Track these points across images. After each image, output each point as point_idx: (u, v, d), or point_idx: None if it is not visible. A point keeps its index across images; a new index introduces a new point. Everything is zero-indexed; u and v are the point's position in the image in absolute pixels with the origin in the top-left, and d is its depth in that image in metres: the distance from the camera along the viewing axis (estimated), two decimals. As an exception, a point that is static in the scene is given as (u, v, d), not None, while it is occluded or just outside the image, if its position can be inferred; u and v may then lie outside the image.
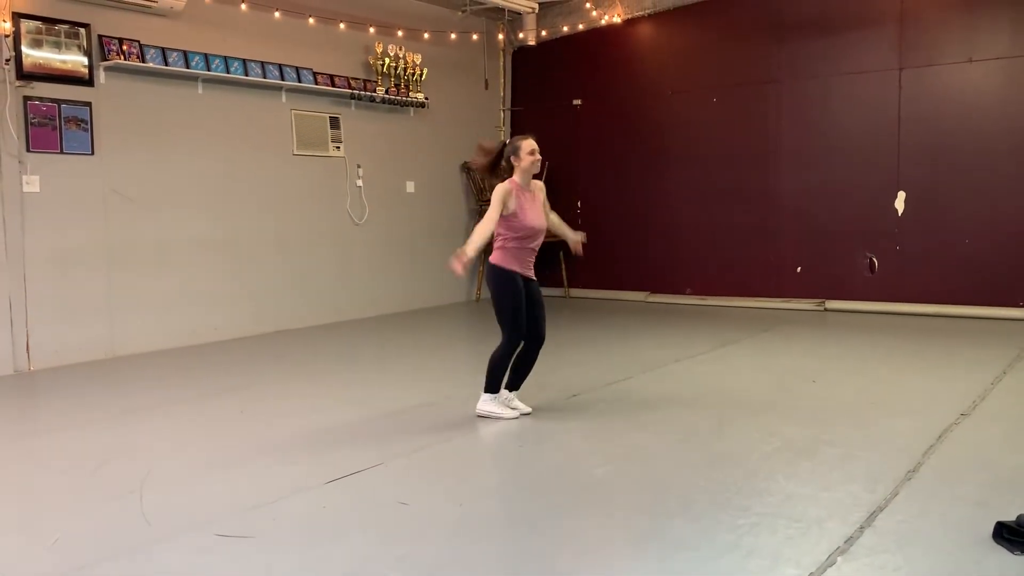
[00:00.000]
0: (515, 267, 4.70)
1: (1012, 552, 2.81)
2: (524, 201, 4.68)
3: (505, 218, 4.62)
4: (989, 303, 8.06)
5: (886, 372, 5.86)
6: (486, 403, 4.76)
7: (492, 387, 4.75)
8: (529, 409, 4.83)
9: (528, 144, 4.72)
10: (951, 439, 4.16)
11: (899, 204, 8.54)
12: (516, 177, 4.73)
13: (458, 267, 4.42)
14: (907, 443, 4.08)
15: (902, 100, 8.48)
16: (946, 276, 8.30)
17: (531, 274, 4.80)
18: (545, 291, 9.83)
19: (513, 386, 4.84)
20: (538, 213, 4.76)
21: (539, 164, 4.79)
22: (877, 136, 8.61)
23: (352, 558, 2.92)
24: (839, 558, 2.82)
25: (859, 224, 8.74)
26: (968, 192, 8.18)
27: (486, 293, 10.46)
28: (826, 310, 8.83)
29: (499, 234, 4.68)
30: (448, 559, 2.91)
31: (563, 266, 10.20)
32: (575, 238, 5.09)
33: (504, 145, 4.82)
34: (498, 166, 4.84)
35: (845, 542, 2.94)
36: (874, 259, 8.71)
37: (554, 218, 5.05)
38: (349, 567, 2.85)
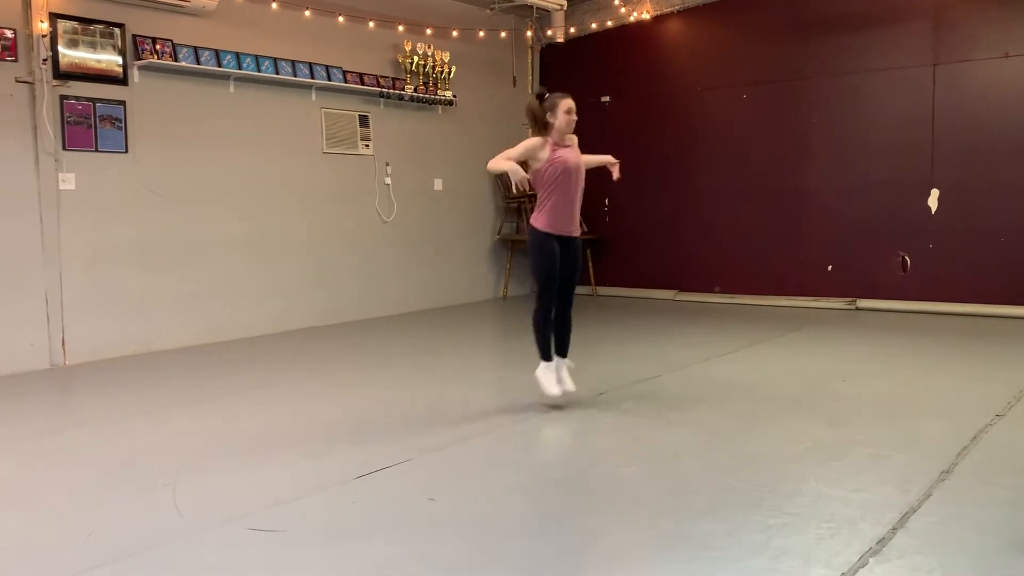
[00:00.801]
0: (553, 228, 4.74)
1: (1049, 556, 2.77)
2: (558, 149, 4.74)
3: (539, 169, 4.70)
4: (1024, 303, 7.93)
5: (918, 372, 5.78)
6: (539, 370, 4.92)
7: (543, 354, 4.90)
8: (573, 388, 4.93)
9: (565, 103, 4.73)
10: (985, 440, 4.10)
11: (932, 202, 8.42)
12: (552, 135, 4.76)
13: (519, 178, 4.58)
14: (940, 444, 4.03)
15: (936, 96, 8.36)
16: (980, 275, 8.17)
17: (573, 230, 4.84)
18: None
19: (558, 351, 4.94)
20: (575, 155, 4.80)
21: (574, 123, 4.80)
22: (910, 133, 8.49)
23: (381, 554, 2.94)
24: (871, 559, 2.79)
25: (891, 222, 8.63)
26: (1003, 190, 8.05)
27: (514, 290, 10.51)
28: (857, 309, 8.73)
29: (537, 193, 4.77)
30: (474, 557, 2.92)
31: (591, 265, 10.18)
32: (610, 160, 5.07)
33: (541, 97, 4.80)
34: (542, 121, 4.80)
35: (877, 543, 2.91)
36: (907, 257, 8.60)
37: (589, 157, 5.02)
38: (377, 562, 2.87)
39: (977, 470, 3.67)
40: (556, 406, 4.84)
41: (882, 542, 2.92)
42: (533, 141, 4.69)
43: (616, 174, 5.14)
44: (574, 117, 4.79)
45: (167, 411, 5.05)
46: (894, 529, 3.03)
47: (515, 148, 4.72)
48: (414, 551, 2.95)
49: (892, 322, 7.99)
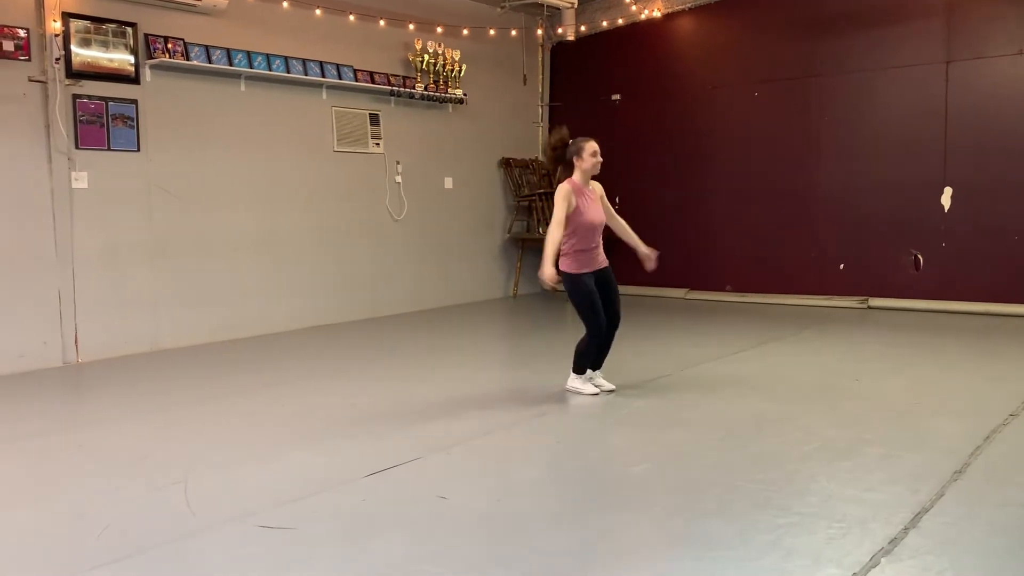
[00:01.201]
0: (583, 268, 4.95)
1: (1062, 557, 2.75)
2: (582, 199, 4.89)
3: (567, 217, 4.84)
4: (1039, 301, 7.87)
5: (931, 371, 5.75)
6: (573, 381, 5.15)
7: (579, 370, 5.13)
8: (613, 387, 5.16)
9: (591, 146, 4.93)
10: (999, 440, 4.07)
11: (946, 200, 8.37)
12: (576, 177, 4.93)
13: (548, 282, 4.79)
14: (953, 444, 4.01)
15: (949, 94, 8.31)
16: (993, 274, 8.12)
17: (601, 263, 5.04)
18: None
19: (596, 366, 5.18)
20: (597, 209, 4.99)
21: (600, 166, 4.97)
22: (923, 131, 8.44)
23: (390, 551, 2.95)
24: (883, 559, 2.78)
25: (904, 220, 8.58)
26: (1017, 188, 7.98)
27: (524, 289, 10.51)
28: (869, 308, 8.69)
29: (563, 241, 4.89)
30: (485, 554, 2.92)
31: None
32: (647, 253, 5.21)
33: (566, 144, 4.97)
34: (561, 161, 5.01)
35: (889, 543, 2.90)
36: (919, 256, 8.55)
37: (621, 222, 5.22)
38: (387, 560, 2.87)
39: (990, 470, 3.65)
40: (611, 391, 5.13)
41: (894, 542, 2.91)
42: (564, 191, 4.86)
43: (650, 267, 5.24)
44: (599, 159, 4.96)
45: (179, 408, 5.08)
46: (906, 529, 3.01)
47: (558, 204, 4.86)
48: (425, 549, 2.96)
49: (904, 321, 7.95)
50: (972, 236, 8.24)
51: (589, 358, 5.10)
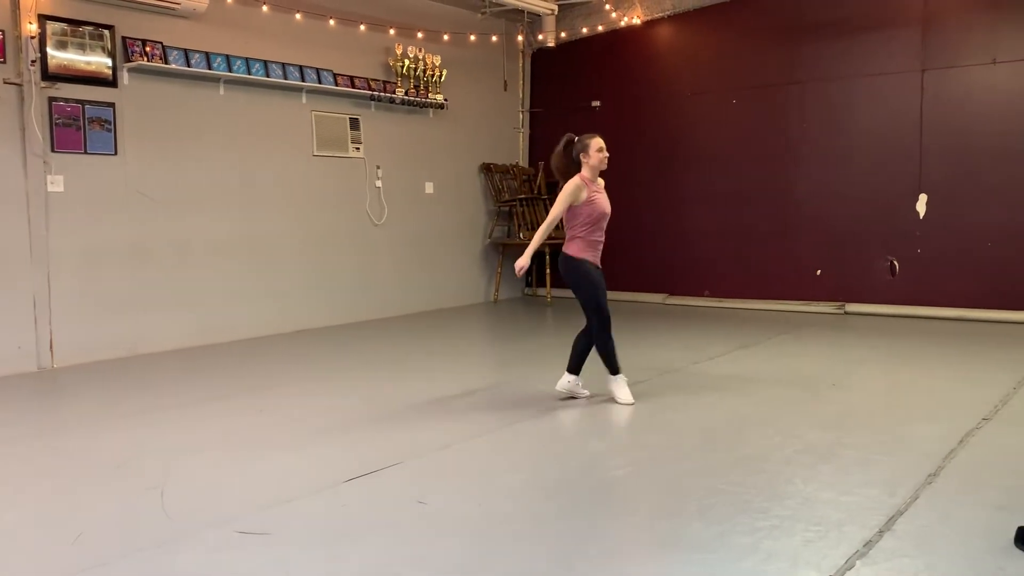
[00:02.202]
0: (588, 255, 5.02)
1: (1034, 558, 2.79)
2: (595, 191, 5.04)
3: (578, 208, 4.96)
4: (1011, 307, 7.97)
5: (906, 376, 5.82)
6: (612, 385, 5.12)
7: (612, 369, 5.12)
8: (587, 392, 5.22)
9: (596, 142, 5.06)
10: (973, 443, 4.13)
11: (920, 207, 8.47)
12: (585, 172, 5.05)
13: (520, 269, 4.93)
14: (928, 447, 4.05)
15: (924, 102, 8.42)
16: (968, 280, 8.22)
17: (598, 262, 5.12)
18: (560, 293, 9.84)
19: (574, 369, 5.16)
20: (607, 201, 5.11)
21: (607, 161, 5.09)
22: (898, 138, 8.55)
23: (370, 557, 2.94)
24: (858, 562, 2.81)
25: (880, 227, 8.68)
26: (991, 195, 8.10)
27: (504, 294, 10.52)
28: (846, 313, 8.77)
29: (572, 226, 5.01)
30: (466, 560, 2.92)
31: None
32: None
33: (570, 142, 5.12)
34: (570, 161, 5.12)
35: (864, 546, 2.93)
36: (895, 262, 8.65)
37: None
38: (366, 566, 2.87)
39: (964, 473, 3.69)
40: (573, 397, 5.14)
41: (869, 544, 2.94)
42: (573, 186, 4.97)
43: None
44: (606, 154, 5.09)
45: (156, 413, 5.03)
46: (881, 532, 3.05)
47: (561, 199, 4.97)
48: (405, 554, 2.95)
49: (880, 326, 8.03)
50: (947, 242, 8.34)
51: (613, 352, 5.07)
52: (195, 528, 3.21)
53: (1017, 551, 2.85)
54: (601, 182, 5.16)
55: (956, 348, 6.81)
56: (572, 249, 5.02)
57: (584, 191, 4.97)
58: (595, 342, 5.07)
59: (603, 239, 5.11)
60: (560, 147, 5.15)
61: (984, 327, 7.78)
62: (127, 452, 4.24)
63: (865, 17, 8.70)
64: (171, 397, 5.46)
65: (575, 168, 5.09)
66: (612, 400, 5.10)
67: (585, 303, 5.04)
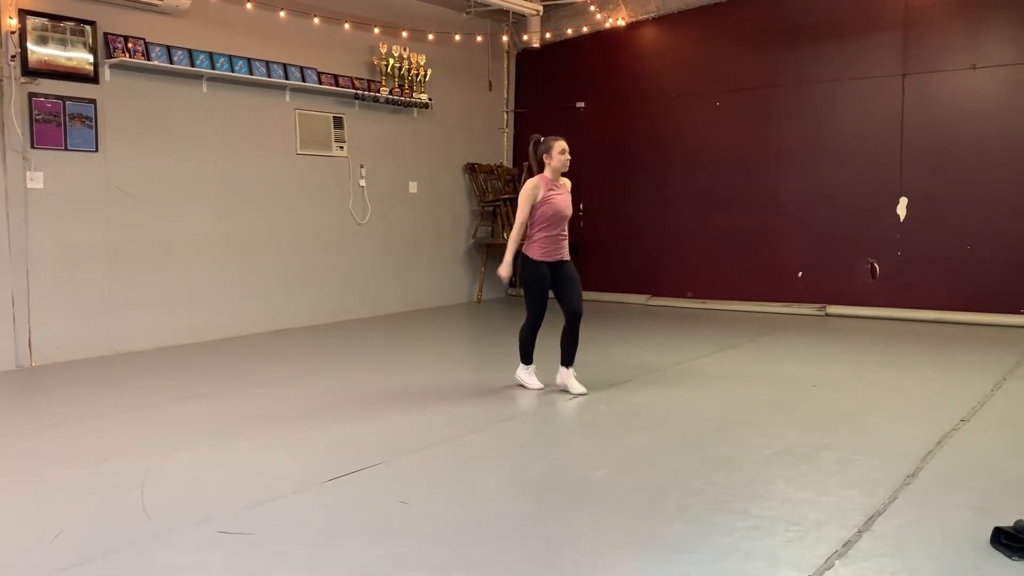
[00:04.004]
0: (544, 256, 5.19)
1: (1010, 558, 2.82)
2: (551, 191, 5.17)
3: (536, 207, 5.13)
4: (990, 310, 8.06)
5: (886, 377, 5.87)
6: (519, 372, 5.48)
7: (525, 359, 5.43)
8: (584, 390, 5.27)
9: (559, 144, 5.22)
10: (951, 445, 4.17)
11: (901, 210, 8.55)
12: (546, 172, 5.22)
13: (503, 279, 5.25)
14: (907, 448, 4.09)
15: (905, 106, 8.50)
16: (947, 282, 8.31)
17: (563, 256, 5.29)
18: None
19: (566, 362, 5.31)
20: (566, 201, 5.26)
21: (568, 163, 5.26)
22: (880, 142, 8.62)
23: (352, 557, 2.93)
24: (837, 561, 2.83)
25: (861, 229, 8.75)
26: (970, 199, 8.19)
27: (488, 294, 10.51)
28: (827, 315, 8.84)
29: (531, 224, 5.19)
30: (447, 559, 2.92)
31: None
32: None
33: (536, 142, 5.29)
34: (539, 164, 5.30)
35: (843, 546, 2.95)
36: (875, 264, 8.72)
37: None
38: (349, 565, 2.86)
39: (942, 474, 3.73)
40: (582, 394, 5.23)
41: (848, 544, 2.97)
42: (529, 187, 5.15)
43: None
44: (568, 157, 5.24)
45: (136, 412, 5.00)
46: (859, 532, 3.07)
47: (522, 202, 5.19)
48: (388, 553, 2.95)
49: (861, 328, 8.10)
50: (927, 245, 8.43)
51: (530, 345, 5.37)
52: (175, 527, 3.19)
53: (993, 550, 2.88)
54: (566, 182, 5.32)
55: (935, 350, 6.87)
56: (527, 249, 5.23)
57: (540, 190, 5.14)
58: (521, 329, 5.36)
59: (565, 234, 5.28)
60: (530, 148, 5.31)
61: (963, 329, 7.86)
62: (107, 451, 4.21)
63: (847, 21, 8.77)
64: (152, 396, 5.42)
65: (540, 168, 5.27)
66: (521, 386, 5.44)
67: (526, 298, 5.31)
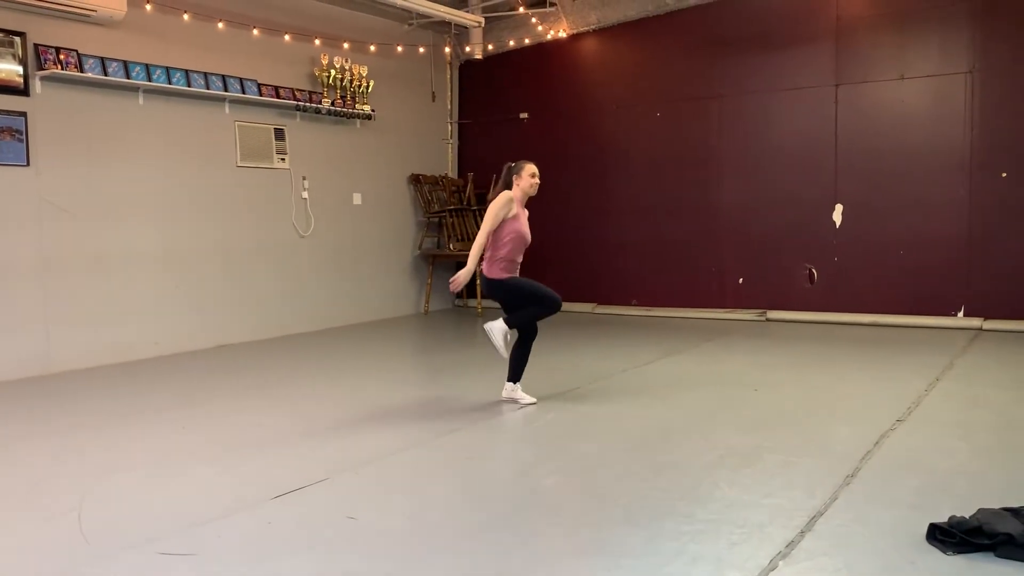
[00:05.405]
0: (509, 274, 5.17)
1: (944, 552, 2.91)
2: (519, 213, 5.19)
3: (504, 224, 5.08)
4: (923, 312, 8.32)
5: (825, 380, 6.01)
6: (516, 392, 5.34)
7: (514, 376, 5.35)
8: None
9: (530, 168, 5.26)
10: (888, 445, 4.28)
11: (836, 216, 8.78)
12: (515, 192, 5.21)
13: (458, 286, 5.03)
14: (846, 449, 4.19)
15: (839, 115, 8.74)
16: (882, 286, 8.56)
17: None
18: (490, 304, 9.83)
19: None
20: (527, 226, 5.24)
21: (537, 187, 5.27)
22: (815, 150, 8.85)
23: (299, 574, 2.89)
24: (780, 562, 2.89)
25: (799, 236, 8.96)
26: (902, 205, 8.45)
27: (435, 305, 10.48)
28: (767, 320, 9.02)
29: (496, 246, 5.11)
30: (397, 573, 2.89)
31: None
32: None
33: (509, 168, 5.27)
34: (507, 187, 5.27)
35: (786, 547, 3.01)
36: (813, 270, 8.94)
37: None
38: (295, 583, 2.82)
39: (879, 473, 3.83)
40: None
41: (791, 545, 3.02)
42: (504, 198, 5.10)
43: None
44: (537, 181, 5.26)
45: (71, 433, 4.85)
46: (802, 532, 3.14)
47: (492, 212, 5.07)
48: (335, 570, 2.91)
49: (800, 332, 8.28)
50: (861, 251, 8.67)
51: (524, 360, 5.30)
52: (115, 550, 3.10)
53: (929, 546, 2.97)
54: (525, 211, 5.32)
55: (872, 353, 7.06)
56: (495, 272, 5.15)
57: (513, 206, 5.14)
58: (523, 329, 5.24)
59: (521, 260, 5.26)
60: (503, 171, 5.28)
61: (897, 332, 8.10)
62: (41, 473, 4.08)
63: (782, 33, 9.00)
64: (87, 416, 5.28)
65: (506, 188, 5.24)
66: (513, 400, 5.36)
67: (527, 303, 5.15)
